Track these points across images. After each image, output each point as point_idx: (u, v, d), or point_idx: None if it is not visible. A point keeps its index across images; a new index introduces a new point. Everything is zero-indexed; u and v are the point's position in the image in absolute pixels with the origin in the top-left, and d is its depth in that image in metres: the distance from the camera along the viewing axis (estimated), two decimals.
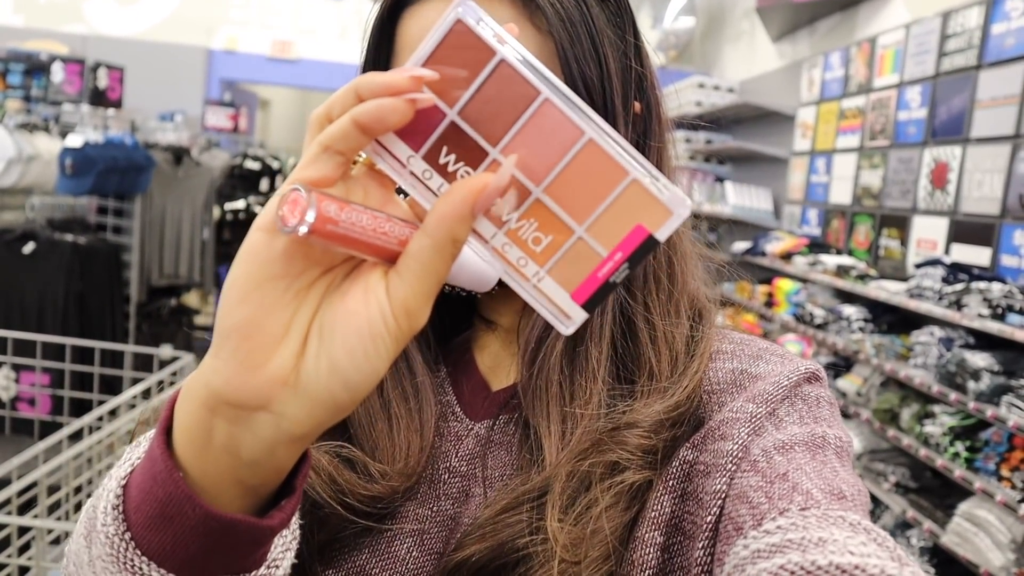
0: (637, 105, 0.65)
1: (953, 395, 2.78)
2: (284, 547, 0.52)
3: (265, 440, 0.39)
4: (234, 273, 0.39)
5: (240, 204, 5.95)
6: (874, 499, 3.46)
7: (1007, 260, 3.05)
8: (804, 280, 4.21)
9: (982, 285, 2.80)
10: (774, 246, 4.49)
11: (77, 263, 3.93)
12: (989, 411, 2.60)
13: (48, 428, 2.59)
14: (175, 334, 4.97)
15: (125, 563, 0.42)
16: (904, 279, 3.44)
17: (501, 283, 0.59)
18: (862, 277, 3.63)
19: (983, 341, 2.95)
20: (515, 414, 0.64)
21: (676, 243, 0.66)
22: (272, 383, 0.38)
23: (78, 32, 7.13)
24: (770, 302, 4.50)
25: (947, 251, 3.41)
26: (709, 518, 0.53)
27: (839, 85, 4.44)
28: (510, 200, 0.41)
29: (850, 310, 3.64)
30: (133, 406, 2.05)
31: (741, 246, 5.00)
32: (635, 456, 0.57)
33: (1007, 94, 3.09)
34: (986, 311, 2.76)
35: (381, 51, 0.64)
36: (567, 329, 0.42)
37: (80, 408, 2.45)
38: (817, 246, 4.27)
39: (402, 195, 0.44)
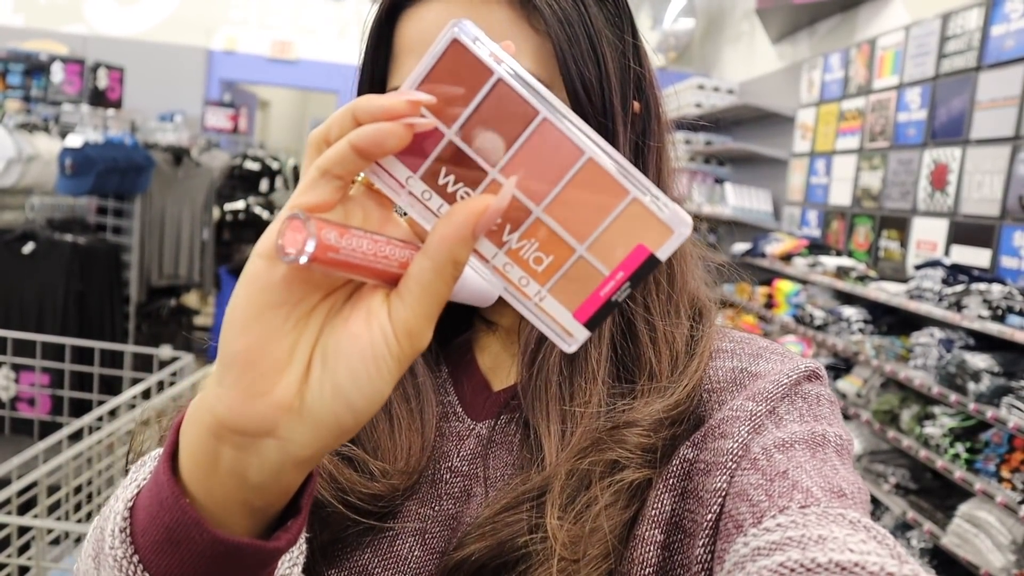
0: (636, 105, 0.65)
1: (953, 396, 2.78)
2: (291, 562, 0.52)
3: (272, 465, 0.40)
4: (235, 301, 0.39)
5: (240, 205, 5.95)
6: (874, 500, 3.46)
7: (1007, 261, 3.05)
8: (804, 281, 4.21)
9: (982, 286, 2.81)
10: (774, 247, 4.49)
11: (77, 263, 3.93)
12: (989, 412, 2.60)
13: (48, 428, 2.59)
14: (175, 334, 4.97)
15: None
16: (904, 280, 3.44)
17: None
18: (862, 278, 3.63)
19: (983, 342, 2.95)
20: (516, 414, 0.64)
21: None
22: (277, 409, 0.38)
23: (78, 32, 7.13)
24: (770, 303, 4.50)
25: (947, 252, 3.41)
26: (709, 516, 0.53)
27: (839, 86, 4.44)
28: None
29: (850, 311, 3.64)
30: (133, 406, 2.05)
31: (741, 247, 5.01)
32: (635, 455, 0.57)
33: (1007, 96, 3.09)
34: (986, 312, 2.76)
35: (379, 53, 0.64)
36: (570, 347, 0.42)
37: (80, 408, 2.45)
38: (817, 247, 4.27)
39: (402, 214, 0.44)
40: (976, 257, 3.21)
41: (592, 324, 0.41)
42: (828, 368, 3.83)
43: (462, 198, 0.40)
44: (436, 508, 0.63)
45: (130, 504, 0.45)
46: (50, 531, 1.57)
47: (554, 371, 0.61)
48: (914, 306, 3.10)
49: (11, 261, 3.84)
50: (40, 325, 3.74)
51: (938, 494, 3.17)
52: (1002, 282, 2.82)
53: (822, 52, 4.74)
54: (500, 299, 0.67)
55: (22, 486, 1.50)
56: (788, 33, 5.40)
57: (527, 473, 0.59)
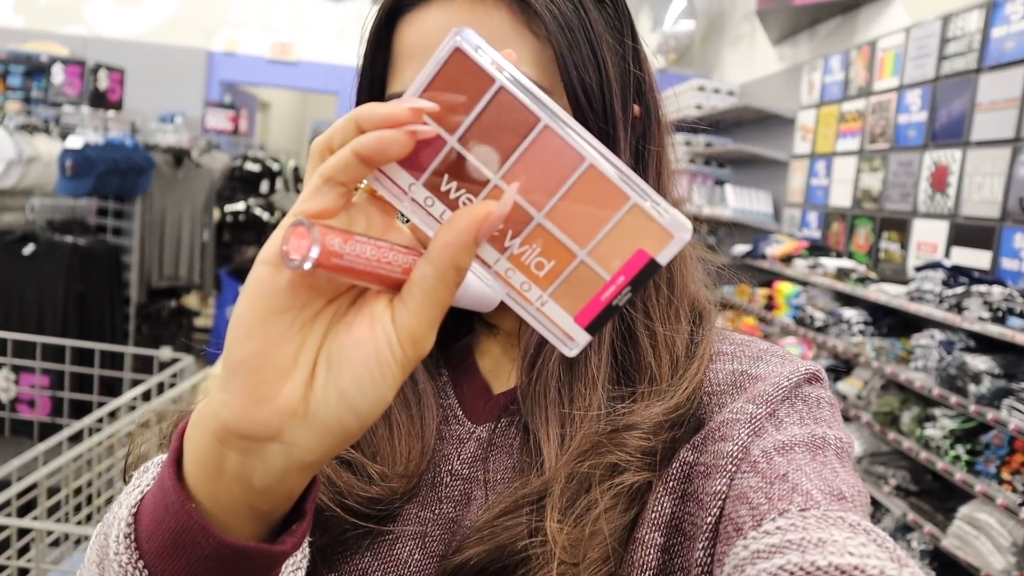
0: (636, 109, 0.65)
1: (954, 398, 2.78)
2: (295, 566, 0.52)
3: (276, 469, 0.40)
4: (240, 307, 0.39)
5: (240, 206, 5.95)
6: (875, 502, 3.45)
7: (1007, 263, 3.05)
8: (804, 283, 4.21)
9: (982, 288, 2.80)
10: (774, 249, 4.49)
11: (77, 264, 3.93)
12: (990, 414, 2.60)
13: (48, 430, 2.59)
14: (175, 336, 4.97)
15: None
16: (904, 282, 3.44)
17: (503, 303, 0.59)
18: (862, 280, 3.63)
19: (983, 344, 2.95)
20: (516, 417, 0.64)
21: None
22: (282, 414, 0.39)
23: (78, 34, 7.13)
24: (770, 305, 4.50)
25: (947, 254, 3.41)
26: (709, 519, 0.53)
27: (839, 88, 4.44)
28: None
29: (850, 313, 3.64)
30: (133, 408, 2.05)
31: (741, 249, 5.00)
32: (634, 458, 0.56)
33: (1007, 97, 3.09)
34: (986, 314, 2.76)
35: (378, 58, 0.64)
36: (571, 351, 0.42)
37: (80, 410, 2.45)
38: (817, 249, 4.27)
39: (404, 220, 0.44)
40: (977, 259, 3.21)
41: (593, 328, 0.41)
42: (829, 370, 3.81)
43: (464, 204, 0.40)
44: (436, 511, 0.63)
45: (134, 510, 0.45)
46: (50, 533, 1.57)
47: (553, 376, 0.61)
48: (914, 308, 3.09)
49: (11, 262, 3.84)
50: (40, 326, 3.74)
51: (938, 496, 3.17)
52: (1002, 284, 2.82)
53: (822, 54, 4.74)
54: (501, 303, 0.67)
55: (22, 488, 1.50)
56: (788, 35, 5.40)
57: (527, 477, 0.59)
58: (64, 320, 3.87)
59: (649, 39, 0.67)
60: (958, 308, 2.89)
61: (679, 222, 0.39)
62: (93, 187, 3.96)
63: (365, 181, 0.41)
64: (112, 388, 2.74)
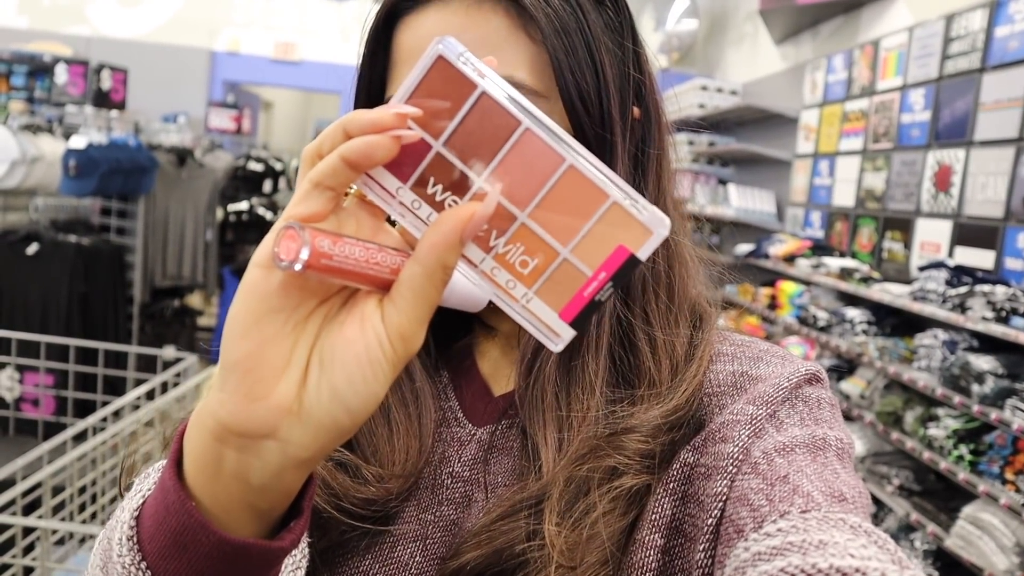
0: (636, 111, 0.65)
1: (957, 398, 2.78)
2: (294, 566, 0.53)
3: (273, 466, 0.41)
4: (235, 309, 0.40)
5: (243, 205, 5.96)
6: (878, 502, 3.45)
7: (1011, 263, 3.05)
8: (807, 283, 4.21)
9: (986, 288, 2.80)
10: (777, 248, 4.49)
11: (81, 264, 3.94)
12: (993, 414, 2.60)
13: (52, 429, 2.60)
14: (178, 335, 4.97)
15: None
16: (908, 282, 3.44)
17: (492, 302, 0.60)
18: (865, 280, 3.62)
19: (987, 344, 2.94)
20: (516, 419, 0.64)
21: (677, 251, 0.66)
22: (277, 412, 0.40)
23: (82, 34, 7.14)
24: (773, 304, 4.50)
25: (951, 254, 3.40)
26: (710, 520, 0.53)
27: (842, 88, 4.44)
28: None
29: (853, 313, 3.64)
30: (137, 407, 2.06)
31: (744, 248, 5.00)
32: (633, 461, 0.56)
33: (1011, 97, 3.09)
34: (990, 314, 2.75)
35: (377, 60, 0.64)
36: (556, 347, 0.44)
37: (84, 409, 2.45)
38: (820, 248, 4.26)
39: (393, 224, 0.45)
40: (980, 259, 3.21)
41: (577, 324, 0.43)
42: (831, 369, 3.82)
43: (450, 206, 0.42)
44: (437, 514, 0.63)
45: (136, 513, 0.46)
46: (54, 532, 1.57)
47: (550, 381, 0.60)
48: (918, 308, 3.09)
49: (15, 262, 3.85)
50: (44, 326, 3.75)
51: (942, 496, 3.17)
52: (1006, 284, 2.82)
53: (825, 53, 4.73)
54: (491, 304, 0.67)
55: (27, 487, 1.51)
56: (791, 34, 5.39)
57: (525, 481, 0.59)
58: (68, 319, 3.88)
59: (652, 39, 0.66)
60: (961, 308, 2.88)
61: (658, 218, 0.41)
62: (96, 187, 3.97)
63: (355, 187, 0.43)
64: (116, 387, 2.75)
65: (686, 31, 6.79)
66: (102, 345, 2.45)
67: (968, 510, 2.79)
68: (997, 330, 2.65)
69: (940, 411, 3.03)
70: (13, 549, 1.48)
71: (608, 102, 0.61)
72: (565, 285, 0.43)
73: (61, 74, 4.78)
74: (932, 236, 3.56)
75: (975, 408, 2.67)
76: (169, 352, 2.56)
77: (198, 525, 0.42)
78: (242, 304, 0.40)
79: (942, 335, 3.06)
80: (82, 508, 1.84)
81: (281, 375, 0.40)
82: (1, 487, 1.50)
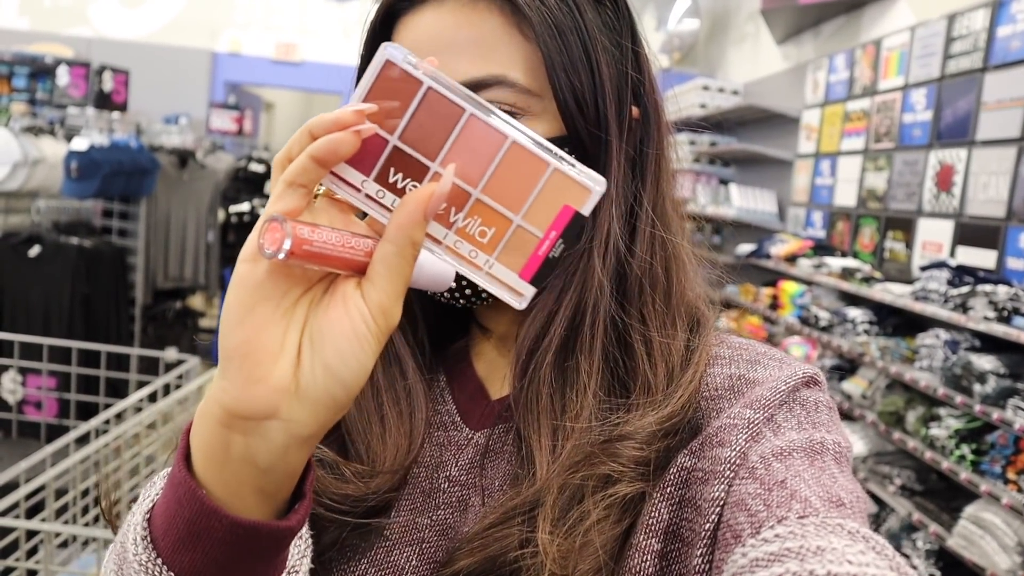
0: (634, 111, 0.65)
1: (959, 398, 2.78)
2: (300, 554, 0.55)
3: (278, 445, 0.44)
4: (228, 301, 0.44)
5: (245, 207, 5.96)
6: (880, 502, 3.45)
7: (1013, 263, 3.04)
8: (809, 282, 4.21)
9: (988, 288, 2.80)
10: (779, 248, 4.48)
11: (83, 266, 3.95)
12: (995, 414, 2.60)
13: (55, 431, 2.60)
14: (180, 337, 4.98)
15: None
16: (909, 282, 3.43)
17: (459, 278, 0.64)
18: (867, 279, 3.62)
19: (989, 344, 2.94)
20: (513, 423, 0.64)
21: (674, 254, 0.65)
22: (277, 392, 0.43)
23: (83, 35, 7.15)
24: (775, 304, 4.49)
25: (952, 254, 3.40)
26: (707, 525, 0.53)
27: (844, 87, 4.44)
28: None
29: (855, 312, 3.63)
30: (139, 409, 2.06)
31: (745, 248, 5.00)
32: (627, 468, 0.56)
33: (1013, 96, 3.08)
34: (992, 314, 2.75)
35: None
36: (520, 304, 0.49)
37: (86, 411, 2.46)
38: (822, 248, 4.26)
39: (362, 217, 0.49)
40: (982, 258, 3.21)
41: (536, 280, 0.48)
42: (833, 369, 3.82)
43: (411, 191, 0.46)
44: (433, 518, 0.63)
45: (147, 515, 0.48)
46: (58, 535, 1.58)
47: (544, 383, 0.60)
48: (919, 307, 3.09)
49: (17, 264, 3.85)
50: (46, 328, 3.75)
51: (944, 496, 3.17)
52: (1008, 283, 2.81)
53: (827, 53, 4.73)
54: (494, 307, 0.67)
55: (30, 490, 1.51)
56: (793, 34, 5.39)
57: (519, 487, 0.59)
58: (70, 322, 3.88)
59: (653, 38, 0.67)
60: (963, 308, 2.88)
61: (594, 177, 0.46)
62: (98, 189, 3.98)
63: (323, 186, 0.47)
64: (118, 389, 2.76)
65: (687, 31, 6.79)
66: (104, 347, 2.45)
67: (970, 510, 2.79)
68: (999, 330, 2.65)
69: (942, 411, 3.02)
70: (17, 552, 1.48)
71: (603, 102, 0.61)
72: (521, 248, 0.48)
73: (63, 76, 4.78)
74: (934, 236, 3.56)
75: (977, 408, 2.67)
76: (171, 354, 2.56)
77: (211, 511, 0.44)
78: (234, 296, 0.43)
79: (944, 335, 3.06)
80: (85, 511, 1.84)
81: (277, 358, 0.43)
82: (4, 490, 1.50)
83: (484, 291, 0.63)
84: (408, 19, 0.62)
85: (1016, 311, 2.69)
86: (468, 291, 0.64)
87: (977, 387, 2.71)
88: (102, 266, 4.10)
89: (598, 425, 0.58)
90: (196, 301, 5.79)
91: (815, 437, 0.56)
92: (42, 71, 4.83)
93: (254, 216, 6.05)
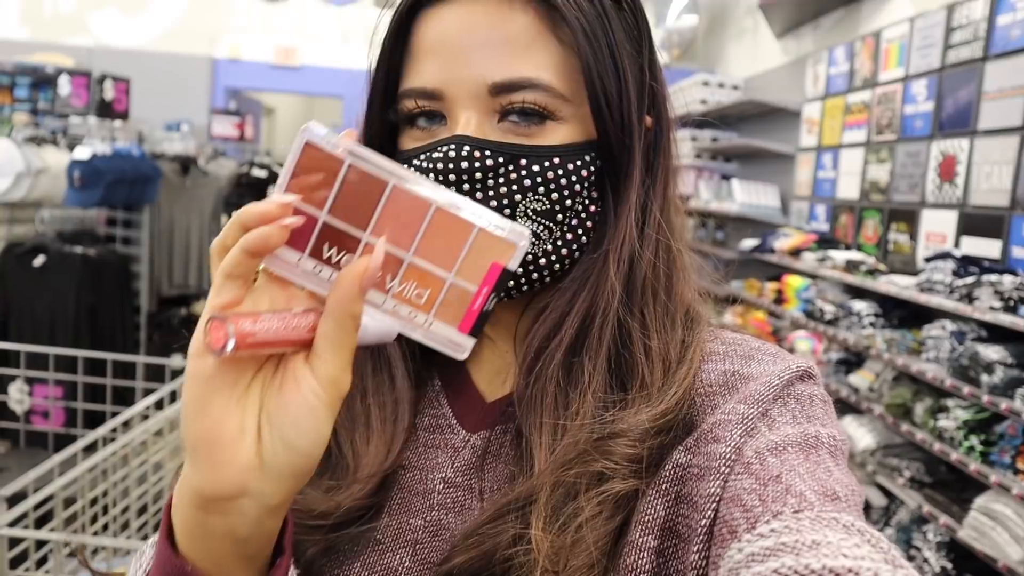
0: (648, 119, 0.66)
1: (967, 389, 2.77)
2: None
3: (252, 518, 0.47)
4: (185, 395, 0.47)
5: None
6: (889, 494, 3.44)
7: (1017, 252, 3.03)
8: (813, 276, 4.20)
9: (993, 278, 2.79)
10: (782, 243, 4.47)
11: (87, 275, 3.96)
12: (1003, 404, 2.58)
13: (62, 440, 2.61)
14: (186, 343, 4.98)
15: None
16: (914, 273, 3.42)
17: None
18: (872, 272, 3.61)
19: (995, 334, 2.93)
20: (511, 424, 0.64)
21: (675, 257, 0.66)
22: (243, 472, 0.46)
23: (83, 44, 7.16)
24: (779, 299, 4.49)
25: (957, 244, 3.39)
26: (704, 521, 0.53)
27: (844, 80, 4.42)
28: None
29: (860, 305, 3.63)
30: (146, 417, 2.06)
31: (749, 243, 4.99)
32: (620, 466, 0.56)
33: (1014, 85, 3.07)
34: (998, 304, 2.74)
35: (396, 50, 0.64)
36: (461, 356, 0.51)
37: (93, 420, 2.46)
38: (826, 242, 4.25)
39: (302, 288, 0.51)
40: (986, 248, 3.20)
41: (474, 332, 0.51)
42: (839, 363, 3.81)
43: (346, 264, 0.48)
44: (427, 519, 0.64)
45: None
46: (67, 544, 1.58)
47: (551, 381, 0.61)
48: (925, 299, 3.08)
49: (22, 274, 3.86)
50: (52, 338, 3.76)
51: (953, 487, 3.16)
52: (1013, 273, 2.80)
53: (827, 45, 4.72)
54: (485, 313, 0.68)
55: (38, 500, 1.51)
56: (792, 27, 5.38)
57: (515, 485, 0.59)
58: (76, 331, 3.89)
59: (652, 35, 0.66)
60: (969, 298, 2.87)
61: (518, 232, 0.48)
62: (102, 197, 3.99)
63: (262, 265, 0.49)
64: (125, 398, 2.76)
65: (686, 27, 6.78)
66: (110, 356, 2.46)
67: (980, 501, 2.78)
68: (1005, 319, 2.64)
69: (950, 402, 3.01)
70: (26, 562, 1.49)
71: (628, 108, 0.62)
72: (457, 303, 0.50)
73: (64, 85, 4.79)
74: (938, 227, 3.55)
75: (985, 398, 2.66)
76: (177, 361, 2.57)
77: None
78: (189, 392, 0.46)
79: (950, 326, 3.05)
80: (94, 520, 1.84)
81: (239, 441, 0.46)
82: (13, 500, 1.51)
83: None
84: (435, 11, 0.62)
85: (1022, 300, 2.68)
86: None
87: (984, 377, 2.70)
88: (107, 274, 4.11)
89: (592, 422, 0.59)
90: (201, 307, 5.79)
91: (810, 431, 0.56)
92: (43, 81, 4.84)
93: None
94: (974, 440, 2.79)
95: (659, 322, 0.63)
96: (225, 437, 0.46)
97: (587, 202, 0.64)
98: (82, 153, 4.02)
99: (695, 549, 0.53)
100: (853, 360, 3.79)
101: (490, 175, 0.60)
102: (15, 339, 3.56)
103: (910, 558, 3.11)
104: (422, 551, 0.62)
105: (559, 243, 0.63)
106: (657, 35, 6.67)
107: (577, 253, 0.64)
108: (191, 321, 5.26)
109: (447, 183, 0.60)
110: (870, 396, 3.50)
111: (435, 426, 0.68)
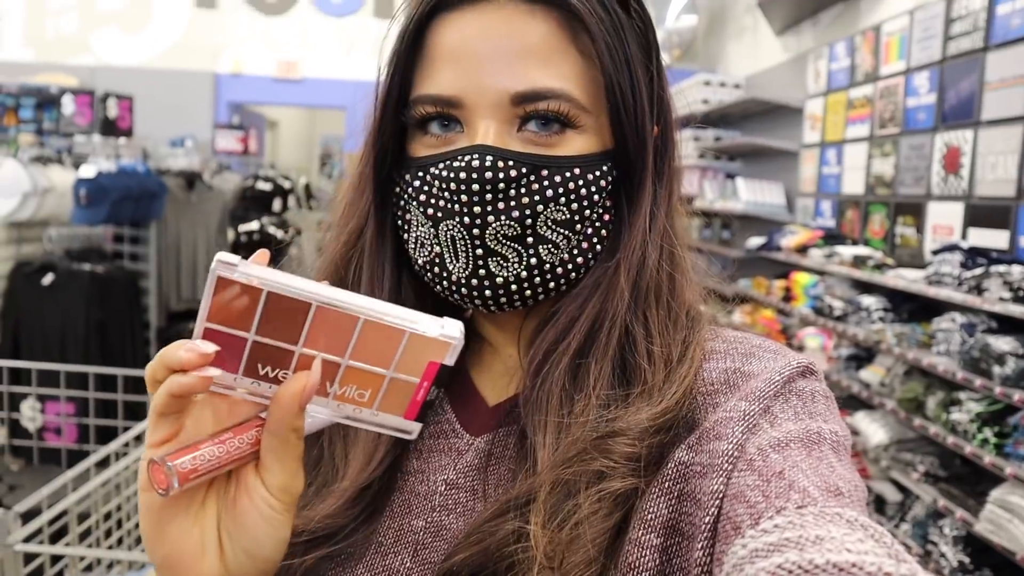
0: (655, 130, 0.66)
1: (978, 381, 2.75)
2: None
3: None
4: (142, 526, 0.50)
5: (254, 225, 5.98)
6: (904, 490, 3.42)
7: None
8: (821, 272, 4.18)
9: (1001, 268, 2.77)
10: (789, 240, 4.46)
11: (96, 292, 3.97)
12: (1016, 395, 2.57)
13: (75, 456, 2.62)
14: None
15: None
16: (922, 266, 3.41)
17: None
18: (879, 267, 3.60)
19: (1006, 325, 2.91)
20: (514, 427, 0.64)
21: (678, 260, 0.67)
22: None
23: (86, 64, 7.21)
24: (788, 296, 4.47)
25: (964, 236, 3.38)
26: (707, 519, 0.53)
27: (846, 75, 4.42)
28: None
29: (869, 300, 3.61)
30: None
31: (756, 242, 4.98)
32: (619, 464, 0.56)
33: (1016, 74, 3.06)
34: (1007, 294, 2.73)
35: (410, 55, 0.63)
36: (411, 437, 0.54)
37: (106, 435, 2.47)
38: (832, 238, 4.24)
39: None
40: (994, 239, 3.18)
41: (420, 418, 0.53)
42: (850, 358, 3.79)
43: (282, 379, 0.50)
44: (429, 520, 0.64)
45: None
46: (82, 559, 1.58)
47: (558, 383, 0.61)
48: (933, 292, 3.07)
49: (32, 293, 3.88)
50: (63, 355, 3.78)
51: (968, 480, 3.14)
52: (1022, 263, 2.79)
53: (827, 41, 4.72)
54: (491, 316, 0.69)
55: (52, 515, 1.52)
56: (791, 24, 5.37)
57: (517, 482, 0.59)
58: (86, 347, 3.90)
59: (658, 42, 0.67)
60: (978, 290, 2.86)
61: (448, 333, 0.50)
62: (108, 215, 4.00)
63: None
64: (136, 412, 2.77)
65: (686, 27, 6.78)
66: (121, 371, 2.47)
67: (996, 494, 2.76)
68: (1015, 310, 2.63)
69: (962, 395, 3.00)
70: None
71: (642, 119, 0.63)
72: (400, 395, 0.51)
73: (68, 105, 4.82)
74: (944, 219, 3.54)
75: (997, 390, 2.65)
76: None
77: None
78: (145, 523, 0.50)
79: (960, 318, 3.04)
80: (108, 534, 1.85)
81: (201, 559, 0.50)
82: (27, 517, 1.51)
83: (491, 299, 0.63)
84: (453, 17, 0.62)
85: None
86: (477, 301, 0.64)
87: (996, 369, 2.68)
88: (115, 291, 4.12)
89: (593, 421, 0.59)
90: None
91: (812, 427, 0.56)
92: (48, 101, 4.87)
93: (263, 234, 6.07)
94: (988, 432, 2.77)
95: (662, 324, 0.64)
96: (187, 558, 0.49)
97: (602, 211, 0.64)
98: (87, 171, 4.04)
99: (699, 546, 0.53)
100: (863, 355, 3.77)
101: (512, 186, 0.60)
102: (26, 357, 3.58)
103: (927, 553, 3.09)
104: (423, 552, 0.63)
105: (575, 252, 0.64)
106: (657, 36, 6.68)
107: (592, 261, 0.65)
108: None
109: (469, 193, 0.60)
110: (882, 391, 3.48)
111: (439, 432, 0.68)
